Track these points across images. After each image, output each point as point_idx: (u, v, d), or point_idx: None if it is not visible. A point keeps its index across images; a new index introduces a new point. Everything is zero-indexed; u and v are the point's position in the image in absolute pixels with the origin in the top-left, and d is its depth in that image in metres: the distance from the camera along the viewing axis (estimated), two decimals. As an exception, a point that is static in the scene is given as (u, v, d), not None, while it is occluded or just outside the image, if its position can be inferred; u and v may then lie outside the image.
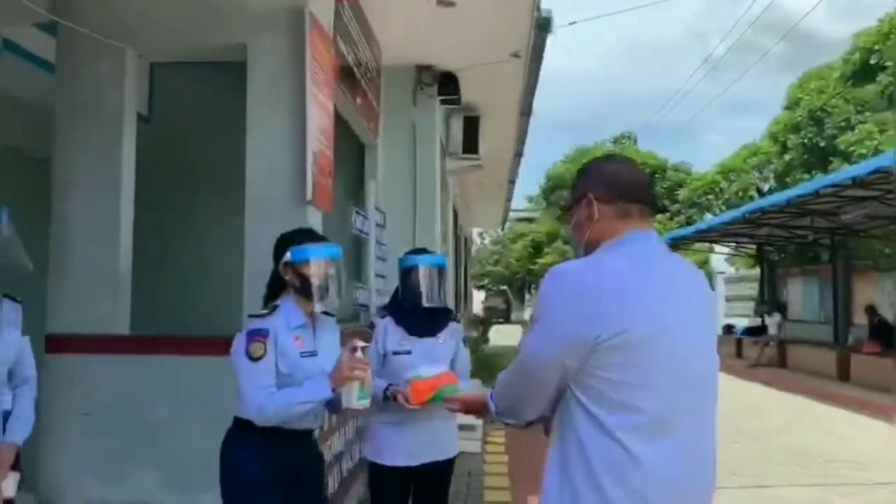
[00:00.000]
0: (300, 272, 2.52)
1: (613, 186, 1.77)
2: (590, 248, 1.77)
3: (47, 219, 4.05)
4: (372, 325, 3.61)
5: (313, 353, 2.52)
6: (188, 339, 3.98)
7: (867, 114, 20.10)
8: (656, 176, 28.86)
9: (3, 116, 5.09)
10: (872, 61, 15.76)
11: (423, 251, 3.36)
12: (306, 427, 2.57)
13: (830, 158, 20.96)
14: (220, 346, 3.89)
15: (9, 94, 4.91)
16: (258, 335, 2.42)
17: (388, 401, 2.99)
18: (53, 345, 3.81)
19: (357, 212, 5.17)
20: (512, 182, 14.63)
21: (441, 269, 3.22)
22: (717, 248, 22.60)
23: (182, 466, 3.71)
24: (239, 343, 2.44)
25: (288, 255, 2.54)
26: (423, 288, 3.14)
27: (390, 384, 3.00)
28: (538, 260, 27.72)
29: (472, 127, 8.22)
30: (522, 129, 9.93)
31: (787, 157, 22.73)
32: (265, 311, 2.52)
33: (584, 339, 1.54)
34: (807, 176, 21.25)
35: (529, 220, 31.38)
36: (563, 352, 1.58)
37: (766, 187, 24.73)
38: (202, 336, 4.02)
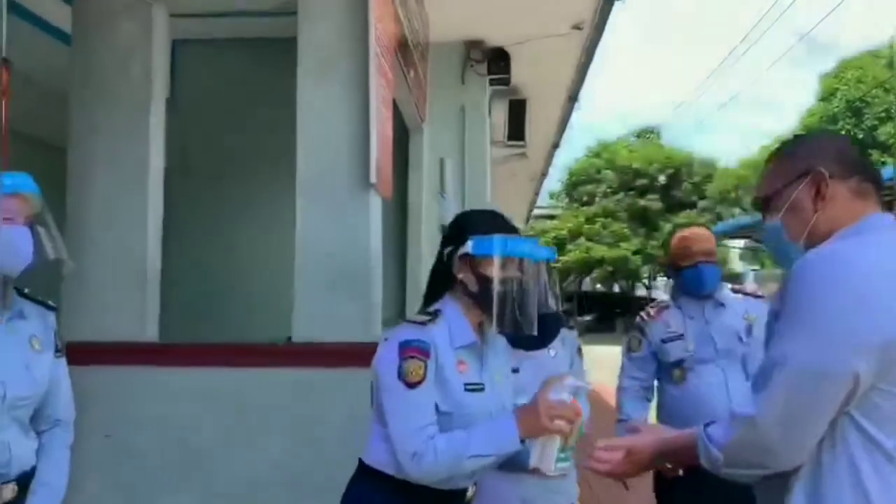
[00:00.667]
0: (480, 271, 1.80)
1: (846, 159, 1.44)
2: (816, 238, 1.41)
3: (64, 213, 3.47)
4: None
5: (479, 387, 1.81)
6: (230, 347, 3.38)
7: (908, 104, 19.34)
8: (683, 171, 28.11)
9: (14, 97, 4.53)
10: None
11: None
12: (461, 487, 1.86)
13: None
14: (267, 354, 3.39)
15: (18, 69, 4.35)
16: (417, 350, 1.72)
17: None
18: (68, 355, 3.22)
19: (442, 198, 4.54)
20: (544, 175, 13.99)
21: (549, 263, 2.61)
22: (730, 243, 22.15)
23: (225, 500, 3.13)
24: (387, 358, 1.74)
25: (468, 245, 1.82)
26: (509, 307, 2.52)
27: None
28: (561, 258, 27.01)
29: (518, 111, 7.58)
30: (566, 117, 9.29)
31: (822, 149, 21.95)
32: (425, 318, 1.80)
33: (881, 342, 1.19)
34: (844, 169, 20.55)
35: (551, 216, 30.73)
36: (856, 359, 1.19)
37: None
38: (246, 343, 3.44)
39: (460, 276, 1.83)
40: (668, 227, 28.60)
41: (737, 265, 29.45)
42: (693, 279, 2.81)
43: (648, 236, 26.46)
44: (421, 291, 5.50)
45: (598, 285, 35.82)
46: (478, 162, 6.21)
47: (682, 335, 2.81)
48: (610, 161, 28.46)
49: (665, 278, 34.96)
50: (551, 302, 2.47)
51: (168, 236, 3.63)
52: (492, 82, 6.48)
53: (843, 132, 21.09)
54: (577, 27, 5.96)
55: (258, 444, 3.15)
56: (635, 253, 26.22)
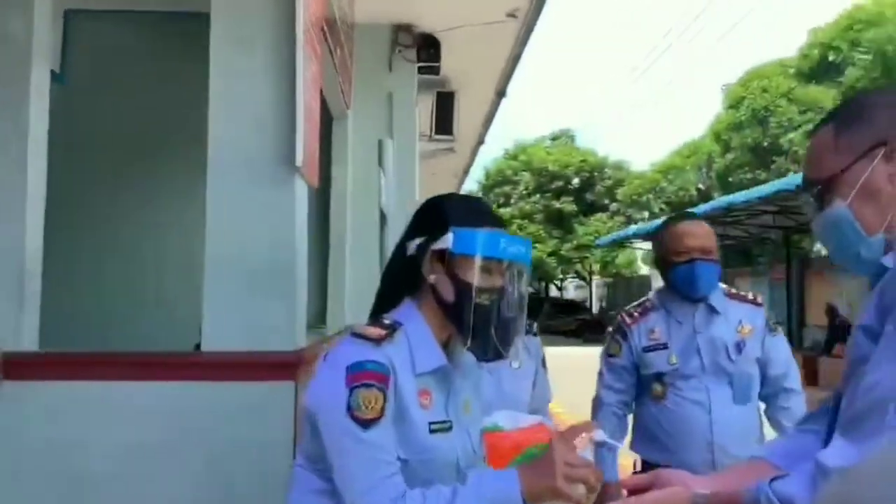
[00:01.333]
0: (460, 274, 1.39)
1: None
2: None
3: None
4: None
5: (446, 426, 1.39)
6: (124, 358, 2.87)
7: (809, 113, 20.16)
8: (596, 174, 28.56)
9: None
10: (831, 58, 15.59)
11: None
12: None
13: (774, 158, 20.96)
14: (170, 366, 2.88)
15: None
16: (371, 374, 1.29)
17: None
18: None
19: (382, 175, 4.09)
20: (466, 173, 13.76)
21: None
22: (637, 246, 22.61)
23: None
24: (330, 386, 1.31)
25: (448, 239, 1.40)
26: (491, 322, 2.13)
27: None
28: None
29: (446, 103, 7.25)
30: (492, 112, 9.05)
31: (729, 156, 22.65)
32: (380, 331, 1.36)
33: None
34: (749, 176, 21.24)
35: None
36: None
37: (705, 186, 24.64)
38: (144, 353, 2.94)
39: (431, 278, 1.41)
40: (582, 229, 29.09)
41: (643, 268, 30.15)
42: (686, 277, 2.40)
43: (563, 238, 26.73)
44: (345, 297, 5.05)
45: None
46: (406, 154, 5.84)
47: (666, 345, 2.45)
48: (527, 163, 28.62)
49: (579, 280, 35.47)
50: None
51: (52, 229, 3.08)
52: (420, 70, 6.13)
53: (748, 140, 21.83)
54: (511, 15, 5.69)
55: (156, 473, 2.67)
56: (550, 255, 26.43)
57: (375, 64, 5.74)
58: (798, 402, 2.48)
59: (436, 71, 6.26)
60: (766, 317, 2.51)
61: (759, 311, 2.51)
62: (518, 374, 2.22)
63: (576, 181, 28.51)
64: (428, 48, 6.00)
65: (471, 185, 30.30)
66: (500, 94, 8.25)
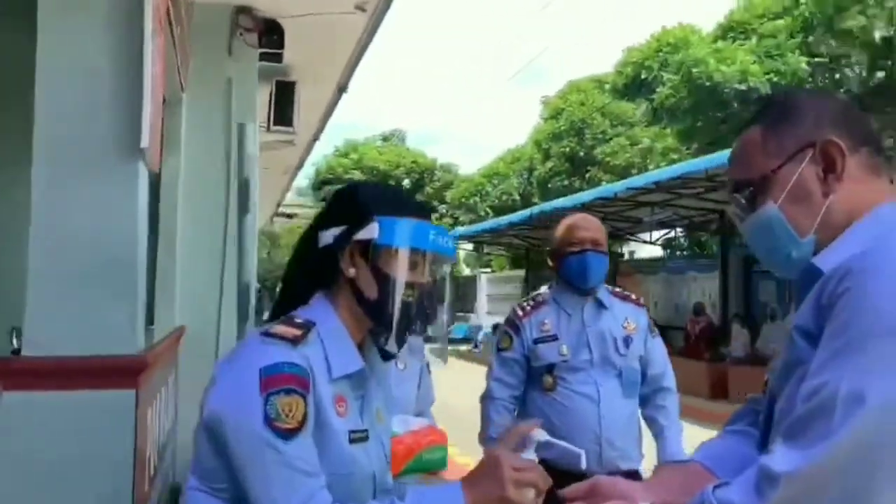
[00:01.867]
0: (384, 268, 1.27)
1: (854, 124, 1.13)
2: (829, 231, 1.10)
3: None
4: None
5: (364, 435, 1.26)
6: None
7: (620, 127, 21.77)
8: (426, 176, 29.00)
9: None
10: (644, 76, 16.90)
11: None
12: None
13: (588, 168, 22.40)
14: None
15: None
16: (292, 378, 1.15)
17: None
18: None
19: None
20: (299, 168, 13.36)
21: None
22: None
23: None
24: (241, 393, 1.14)
25: (372, 229, 1.26)
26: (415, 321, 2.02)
27: None
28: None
29: (286, 94, 6.94)
30: (332, 107, 8.82)
31: (549, 164, 23.92)
32: (295, 330, 1.21)
33: None
34: (566, 183, 22.57)
35: (291, 215, 29.85)
36: None
37: (527, 192, 25.83)
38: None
39: (351, 271, 1.28)
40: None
41: (466, 270, 31.05)
42: (577, 267, 2.47)
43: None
44: (175, 296, 4.67)
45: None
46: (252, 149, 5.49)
47: (557, 336, 2.48)
48: (357, 161, 28.45)
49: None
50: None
51: None
52: (262, 57, 5.81)
53: (566, 149, 23.18)
54: (360, 7, 5.54)
55: None
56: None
57: (214, 46, 5.35)
58: (674, 402, 2.59)
59: (278, 58, 5.97)
60: (648, 318, 2.62)
61: (643, 311, 2.62)
62: (404, 376, 2.14)
63: (406, 182, 28.78)
64: (270, 34, 5.70)
65: (300, 182, 29.63)
66: (342, 88, 8.06)
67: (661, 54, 16.26)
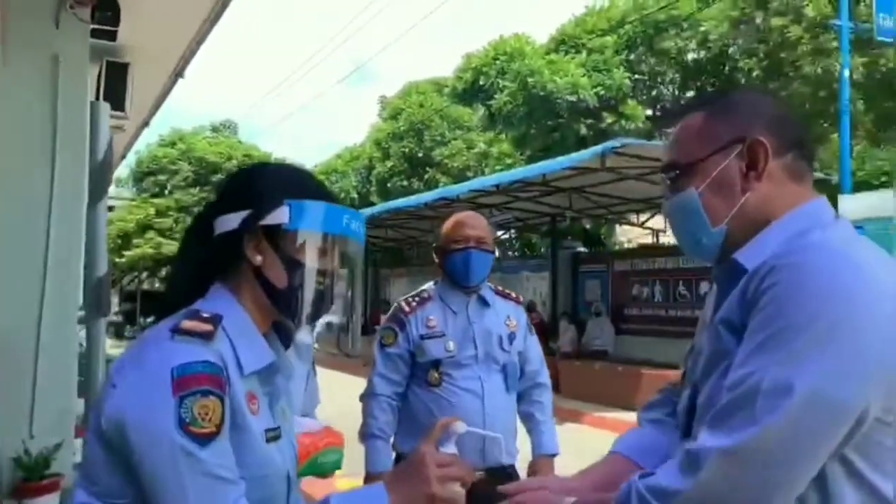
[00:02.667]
0: (294, 254, 1.19)
1: (785, 129, 1.17)
2: (742, 224, 1.15)
3: None
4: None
5: (277, 434, 1.20)
6: None
7: (458, 131, 22.28)
8: (260, 170, 28.01)
9: None
10: (482, 82, 17.38)
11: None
12: None
13: (427, 169, 22.71)
14: None
15: None
16: (208, 378, 1.05)
17: None
18: None
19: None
20: (124, 156, 12.45)
21: None
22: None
23: None
24: (150, 397, 1.03)
25: (281, 213, 1.18)
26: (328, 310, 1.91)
27: None
28: (126, 253, 24.55)
29: (118, 76, 6.42)
30: (165, 93, 8.29)
31: (388, 163, 23.99)
32: (202, 325, 1.10)
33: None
34: (406, 183, 22.74)
35: (110, 207, 27.77)
36: (873, 391, 0.97)
37: (366, 190, 25.74)
38: None
39: (257, 259, 1.19)
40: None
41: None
42: (462, 264, 2.49)
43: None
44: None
45: (158, 284, 33.83)
46: (75, 130, 5.00)
47: (444, 333, 2.49)
48: (185, 152, 26.93)
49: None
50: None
51: None
52: (94, 34, 5.32)
53: (405, 150, 23.36)
54: (206, -11, 5.25)
55: None
56: (209, 250, 25.21)
57: (38, 18, 4.84)
58: (549, 398, 2.67)
59: (112, 37, 5.51)
60: (526, 316, 2.69)
61: (521, 309, 2.69)
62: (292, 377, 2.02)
63: (238, 176, 27.70)
64: (104, 9, 5.25)
65: (120, 172, 27.57)
66: (178, 74, 7.60)
67: (498, 62, 16.84)
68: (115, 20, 5.30)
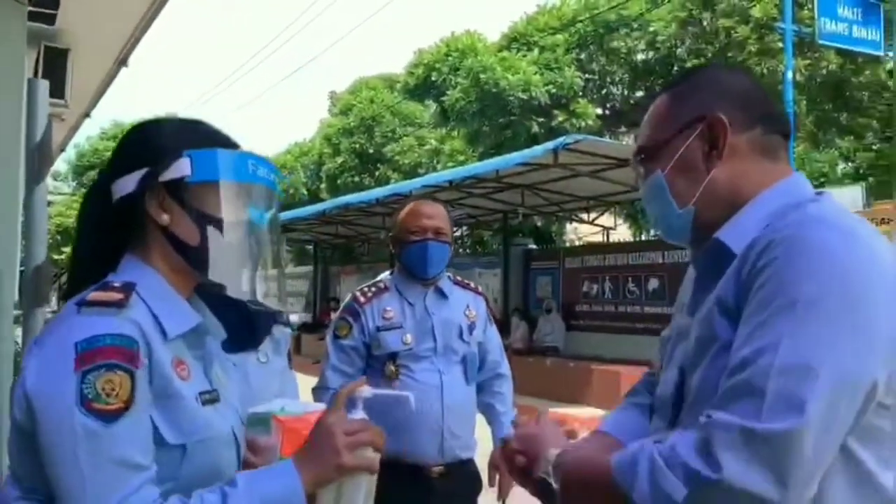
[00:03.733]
0: (202, 207, 1.14)
1: (751, 104, 1.14)
2: (711, 203, 1.12)
3: None
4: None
5: (214, 396, 1.15)
6: None
7: (409, 128, 22.18)
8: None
9: None
10: (434, 78, 17.30)
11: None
12: None
13: (378, 165, 22.55)
14: None
15: None
16: (114, 351, 0.99)
17: None
18: None
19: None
20: (63, 149, 12.00)
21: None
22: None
23: None
24: (53, 374, 0.98)
25: (182, 165, 1.11)
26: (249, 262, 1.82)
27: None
28: (66, 249, 23.75)
29: (57, 62, 6.14)
30: (108, 82, 7.99)
31: (339, 159, 23.74)
32: (112, 294, 1.05)
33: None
34: (357, 179, 22.54)
35: (48, 203, 26.83)
36: (881, 370, 0.93)
37: (315, 186, 25.42)
38: None
39: (164, 218, 1.14)
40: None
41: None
42: (419, 256, 2.42)
43: (167, 230, 25.06)
44: None
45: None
46: (10, 108, 4.75)
47: (401, 324, 2.42)
48: (127, 146, 26.18)
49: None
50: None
51: None
52: (31, 17, 5.07)
53: (356, 146, 23.15)
54: (153, -28, 5.05)
55: None
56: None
57: (-31, -4, 4.58)
58: (510, 388, 2.62)
59: (51, 20, 5.27)
60: (486, 306, 2.62)
61: (481, 299, 2.62)
62: (266, 370, 1.94)
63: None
64: (43, -9, 5.01)
65: (58, 166, 26.66)
66: (122, 62, 7.33)
67: (450, 59, 16.78)
68: (55, 3, 5.06)
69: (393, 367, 2.41)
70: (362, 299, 2.48)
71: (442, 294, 2.52)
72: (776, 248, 0.97)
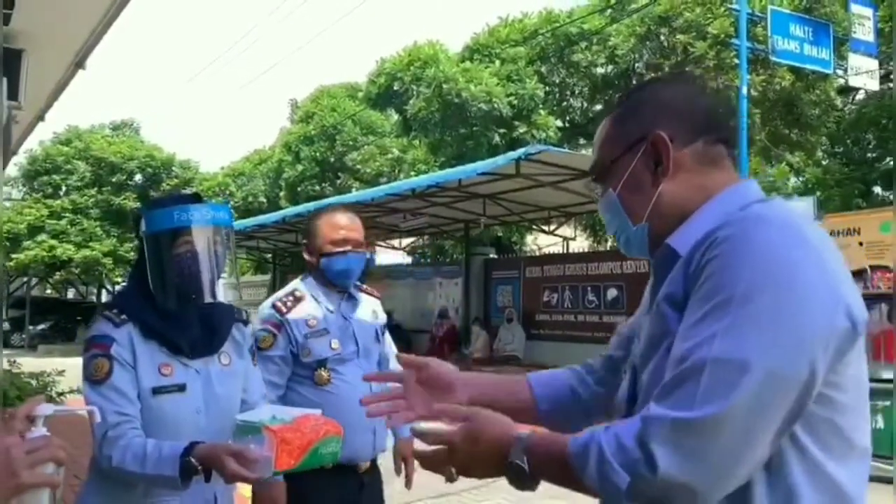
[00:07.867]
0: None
1: (691, 116, 1.18)
2: (663, 218, 1.16)
3: None
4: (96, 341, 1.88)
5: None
6: None
7: (371, 136, 22.12)
8: (163, 172, 26.96)
9: None
10: (396, 87, 17.28)
11: (186, 198, 1.93)
12: None
13: (339, 174, 22.42)
14: None
15: None
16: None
17: (191, 478, 1.65)
18: None
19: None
20: (16, 152, 11.68)
21: (224, 231, 1.91)
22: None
23: None
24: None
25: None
26: (203, 268, 1.81)
27: (194, 443, 1.67)
28: (15, 256, 23.03)
29: (11, 63, 5.99)
30: (63, 85, 7.82)
31: (299, 167, 23.56)
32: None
33: (844, 333, 0.98)
34: (318, 188, 22.38)
35: (-3, 207, 25.99)
36: (819, 356, 0.96)
37: (274, 195, 25.17)
38: None
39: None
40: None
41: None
42: (341, 267, 2.51)
43: (122, 238, 24.52)
44: None
45: (49, 290, 32.07)
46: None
47: (328, 330, 2.49)
48: (82, 151, 25.57)
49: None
50: (219, 288, 1.83)
51: None
52: (-15, 16, 4.94)
53: (317, 154, 23.00)
54: (112, -26, 4.96)
55: None
56: (107, 255, 24.01)
57: (-80, -6, 4.46)
58: None
59: (6, 20, 5.14)
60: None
61: (379, 303, 2.77)
62: (229, 373, 1.93)
63: (139, 177, 26.56)
64: (-2, -10, 4.88)
65: (11, 170, 25.91)
66: (79, 65, 7.18)
67: (412, 68, 16.81)
68: (10, 3, 4.94)
69: (325, 374, 2.47)
70: (283, 309, 2.50)
71: (353, 299, 2.63)
72: (719, 246, 1.01)
